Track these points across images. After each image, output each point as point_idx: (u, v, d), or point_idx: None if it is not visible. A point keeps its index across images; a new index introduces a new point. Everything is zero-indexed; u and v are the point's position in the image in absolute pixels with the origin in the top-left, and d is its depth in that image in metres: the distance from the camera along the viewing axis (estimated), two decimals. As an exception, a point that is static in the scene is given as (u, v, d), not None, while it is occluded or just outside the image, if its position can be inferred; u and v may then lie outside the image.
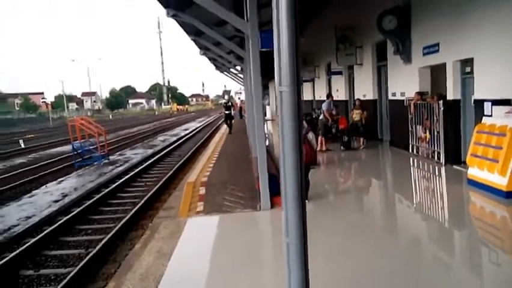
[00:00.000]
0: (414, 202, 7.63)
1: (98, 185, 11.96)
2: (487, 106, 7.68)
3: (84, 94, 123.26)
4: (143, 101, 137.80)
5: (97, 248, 6.72)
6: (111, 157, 17.96)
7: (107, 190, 10.92)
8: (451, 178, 8.89)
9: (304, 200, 2.35)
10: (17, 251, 6.66)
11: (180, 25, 13.19)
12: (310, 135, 7.43)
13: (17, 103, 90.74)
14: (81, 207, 9.23)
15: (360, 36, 15.45)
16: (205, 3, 7.79)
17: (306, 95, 27.75)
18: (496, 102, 7.55)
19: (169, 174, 12.77)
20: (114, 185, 11.51)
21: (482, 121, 7.75)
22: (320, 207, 7.31)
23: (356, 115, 13.20)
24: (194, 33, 14.87)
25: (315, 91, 25.05)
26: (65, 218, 8.47)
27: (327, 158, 11.83)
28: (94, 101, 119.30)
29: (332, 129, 13.85)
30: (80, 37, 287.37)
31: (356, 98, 15.54)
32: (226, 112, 23.52)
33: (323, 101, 15.01)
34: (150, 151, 20.01)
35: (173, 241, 6.00)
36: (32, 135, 36.20)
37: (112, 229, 7.74)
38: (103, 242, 7.01)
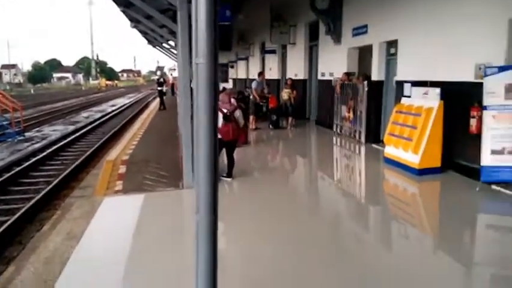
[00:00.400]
0: (333, 180, 7.81)
1: (8, 163, 10.97)
2: (407, 87, 7.95)
3: (4, 66, 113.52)
4: (69, 75, 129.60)
5: (0, 229, 6.12)
6: (27, 134, 16.64)
7: (18, 168, 10.06)
8: (369, 156, 9.22)
9: (216, 177, 2.20)
10: None
11: (106, -7, 12.35)
12: (238, 113, 7.24)
13: None
14: (-14, 187, 8.41)
15: (294, 16, 15.44)
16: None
17: (241, 73, 27.59)
18: (415, 84, 7.83)
19: (90, 152, 12.06)
20: (27, 163, 10.64)
21: (401, 101, 8.02)
22: (243, 185, 7.22)
23: (285, 94, 13.10)
24: (124, 4, 14.02)
25: (249, 69, 24.90)
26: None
27: (256, 137, 11.77)
28: (15, 74, 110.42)
29: (262, 108, 13.81)
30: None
31: (287, 77, 15.60)
32: (159, 88, 23.20)
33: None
34: (71, 128, 18.82)
35: (86, 221, 5.58)
36: None
37: (20, 210, 7.12)
38: (8, 223, 6.41)
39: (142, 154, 9.40)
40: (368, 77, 10.16)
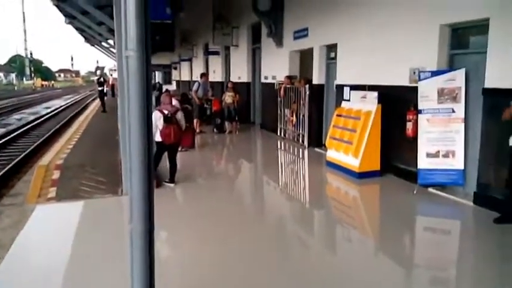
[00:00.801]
0: (277, 184, 7.81)
1: None
2: (346, 91, 8.15)
3: None
4: (0, 74, 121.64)
5: None
6: (-51, 136, 15.29)
7: None
8: (312, 160, 9.34)
9: (151, 184, 2.07)
10: None
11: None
12: (179, 115, 7.06)
13: None
14: None
15: (237, 17, 15.40)
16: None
17: (184, 75, 27.19)
18: (354, 88, 8.04)
19: (21, 156, 11.28)
20: None
21: (342, 105, 8.20)
22: (186, 191, 7.06)
23: (228, 98, 12.83)
24: (57, -4, 13.32)
25: (193, 71, 24.58)
26: None
27: (200, 140, 11.59)
28: None
29: (206, 111, 13.61)
30: None
31: (229, 80, 15.51)
32: (99, 88, 22.31)
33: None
34: (1, 130, 17.58)
35: (16, 231, 5.20)
36: None
37: None
38: None
39: (78, 158, 8.93)
40: (309, 81, 10.32)
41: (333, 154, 8.05)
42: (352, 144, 7.38)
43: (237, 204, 6.45)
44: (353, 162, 7.38)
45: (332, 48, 9.63)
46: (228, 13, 15.88)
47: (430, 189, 6.48)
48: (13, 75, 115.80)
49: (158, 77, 35.92)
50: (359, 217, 6.18)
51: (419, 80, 6.42)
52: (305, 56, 11.35)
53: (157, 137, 6.89)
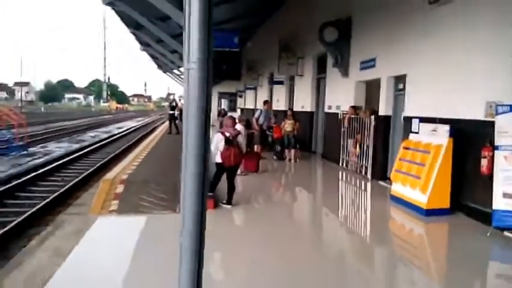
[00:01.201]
0: (337, 216, 7.49)
1: (8, 176, 10.84)
2: (415, 123, 7.77)
3: (16, 84, 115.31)
4: (80, 96, 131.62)
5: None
6: (32, 149, 16.59)
7: (15, 182, 9.90)
8: (375, 194, 8.94)
9: (204, 202, 2.00)
10: None
11: (118, 15, 12.50)
12: (241, 138, 7.11)
13: None
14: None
15: (303, 47, 15.51)
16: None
17: (249, 103, 27.69)
18: (423, 120, 7.66)
19: (91, 170, 11.90)
20: (26, 178, 10.48)
21: (409, 138, 7.83)
22: (242, 214, 7.00)
23: (288, 126, 12.62)
24: (133, 26, 14.18)
25: (257, 99, 24.97)
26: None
27: (260, 166, 11.56)
28: (27, 92, 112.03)
29: (268, 138, 13.64)
30: (16, 23, 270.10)
31: (293, 108, 15.51)
32: (171, 112, 23.32)
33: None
34: (76, 146, 18.79)
35: (76, 240, 5.38)
36: None
37: (10, 223, 6.91)
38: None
39: (142, 175, 9.21)
40: (375, 112, 10.02)
41: (398, 188, 7.63)
42: (420, 179, 6.95)
43: (293, 233, 6.21)
44: (420, 198, 6.92)
45: (400, 79, 9.32)
46: (294, 43, 16.04)
47: (506, 233, 5.88)
48: (91, 98, 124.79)
49: (224, 104, 36.86)
50: (424, 258, 5.70)
51: (496, 114, 5.96)
52: (371, 87, 11.09)
53: (218, 159, 6.95)
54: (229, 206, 6.96)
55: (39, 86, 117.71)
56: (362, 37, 11.05)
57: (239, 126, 9.92)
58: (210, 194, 7.09)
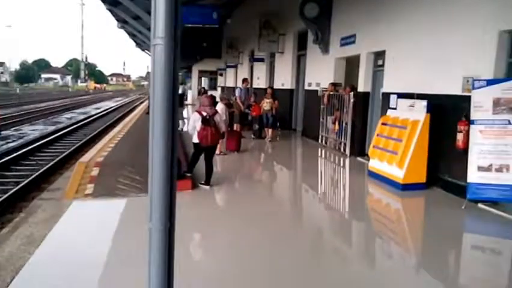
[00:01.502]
0: (316, 194, 7.52)
1: (-22, 162, 10.48)
2: (393, 99, 7.76)
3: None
4: (57, 76, 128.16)
5: (-47, 232, 5.69)
6: (4, 132, 16.11)
7: (-13, 167, 9.60)
8: (354, 170, 8.99)
9: (173, 182, 1.90)
10: None
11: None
12: (218, 117, 6.95)
13: None
14: (-51, 185, 7.95)
15: (284, 24, 15.30)
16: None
17: (229, 82, 27.41)
18: (401, 96, 7.64)
19: (66, 153, 11.62)
20: (-2, 162, 10.17)
21: (387, 113, 7.82)
22: (221, 194, 6.95)
23: (266, 104, 12.34)
24: (109, 2, 13.69)
25: (238, 78, 24.70)
26: None
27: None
28: (1, 73, 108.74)
29: (247, 117, 13.49)
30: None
31: (274, 86, 15.36)
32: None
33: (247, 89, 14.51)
34: (52, 128, 18.32)
35: (49, 226, 5.23)
36: None
37: (-20, 211, 6.70)
38: (-36, 225, 5.99)
39: (118, 157, 9.01)
40: (354, 88, 9.97)
41: (376, 164, 7.66)
42: (397, 154, 6.98)
43: (272, 210, 6.19)
44: (397, 173, 6.96)
45: (379, 55, 9.26)
46: (274, 20, 15.79)
47: (480, 205, 5.98)
48: (69, 78, 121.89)
49: (204, 82, 36.47)
50: (401, 231, 5.77)
51: (473, 88, 5.96)
52: (351, 63, 11.02)
53: (195, 139, 6.83)
54: (207, 187, 6.87)
55: (14, 66, 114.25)
56: (342, 13, 10.92)
57: (220, 105, 9.77)
58: (188, 174, 7.00)
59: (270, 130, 12.43)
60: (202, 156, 7.01)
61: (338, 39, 11.07)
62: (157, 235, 1.93)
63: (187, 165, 7.23)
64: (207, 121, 6.69)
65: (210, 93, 23.98)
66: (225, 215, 6.01)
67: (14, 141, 14.39)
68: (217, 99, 11.76)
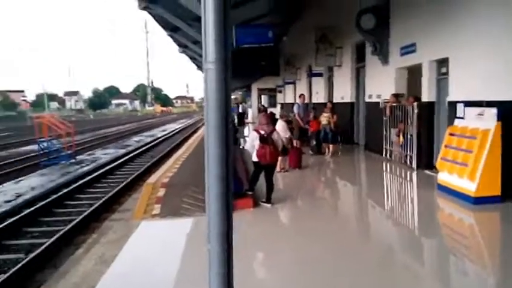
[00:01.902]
0: (382, 210, 7.20)
1: (57, 185, 11.32)
2: (460, 107, 7.34)
3: (66, 93, 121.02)
4: (126, 101, 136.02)
5: (36, 252, 6.15)
6: (79, 157, 17.29)
7: (65, 190, 10.31)
8: (421, 184, 8.56)
9: (229, 205, 1.92)
10: None
11: (155, 19, 12.70)
12: (275, 135, 6.97)
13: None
14: (32, 208, 8.63)
15: (340, 37, 15.15)
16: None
17: (288, 98, 27.50)
18: (469, 104, 7.21)
19: (135, 175, 12.20)
20: (74, 186, 10.90)
21: (455, 123, 7.40)
22: (283, 212, 6.89)
23: (324, 119, 11.99)
24: (170, 28, 14.37)
25: (296, 93, 24.73)
26: (11, 220, 7.87)
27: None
28: (76, 101, 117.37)
29: (307, 133, 13.34)
30: (63, 35, 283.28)
31: (334, 100, 15.17)
32: None
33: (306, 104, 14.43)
34: (122, 151, 19.39)
35: (119, 246, 5.48)
36: (6, 134, 35.08)
37: (59, 232, 7.17)
38: (45, 245, 6.45)
39: (183, 178, 9.30)
40: (418, 98, 9.58)
41: (445, 177, 7.23)
42: (467, 166, 6.54)
43: (337, 228, 6.04)
44: (468, 185, 6.52)
45: (442, 62, 8.85)
46: (330, 34, 15.68)
47: None
48: (137, 102, 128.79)
49: (264, 100, 36.88)
50: (476, 248, 5.36)
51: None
52: (413, 73, 10.63)
53: (254, 157, 6.88)
54: (268, 205, 6.86)
55: (87, 94, 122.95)
56: (400, 22, 10.61)
57: (281, 123, 9.80)
58: (250, 193, 7.04)
59: (330, 145, 12.13)
60: (262, 175, 7.03)
61: (397, 48, 10.75)
62: (215, 256, 1.95)
63: (248, 184, 7.29)
64: (264, 139, 6.72)
65: (269, 110, 24.26)
66: (287, 232, 5.95)
67: (87, 165, 15.39)
68: (277, 116, 11.82)
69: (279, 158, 9.83)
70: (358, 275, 4.23)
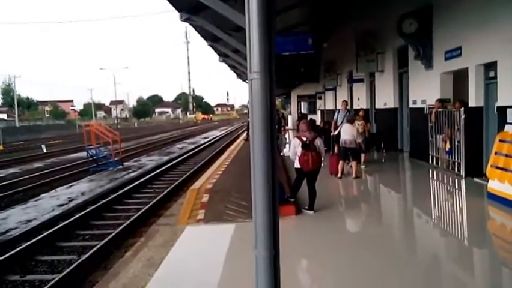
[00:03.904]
0: (429, 219, 7.01)
1: (106, 190, 11.80)
2: (510, 113, 7.08)
3: (112, 102, 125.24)
4: (169, 109, 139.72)
5: (88, 254, 6.45)
6: (126, 163, 17.90)
7: (113, 196, 10.73)
8: (470, 192, 8.26)
9: (275, 210, 1.99)
10: (7, 255, 6.45)
11: (196, 30, 13.04)
12: (318, 142, 6.97)
13: (46, 110, 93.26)
14: (83, 212, 9.04)
15: (381, 42, 14.94)
16: (216, 6, 7.51)
17: (328, 104, 27.30)
18: (520, 109, 6.95)
19: (179, 181, 12.51)
20: (122, 191, 11.32)
21: (505, 129, 7.14)
22: (326, 219, 6.82)
23: (358, 128, 11.12)
24: (211, 38, 14.70)
25: (337, 100, 24.51)
26: (64, 223, 8.28)
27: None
28: (122, 109, 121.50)
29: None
30: (108, 45, 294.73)
31: (376, 106, 14.94)
32: (249, 119, 23.54)
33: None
34: (166, 158, 19.91)
35: (166, 250, 5.67)
36: (56, 141, 36.85)
37: (108, 235, 7.48)
38: (96, 248, 6.74)
39: (226, 183, 9.46)
40: (464, 103, 9.29)
41: (495, 185, 6.97)
42: (520, 174, 6.30)
43: (381, 237, 5.95)
44: (521, 194, 6.27)
45: (490, 66, 8.56)
46: (371, 39, 15.49)
47: None
48: (179, 111, 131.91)
49: (303, 106, 36.78)
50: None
51: None
52: (458, 77, 10.33)
53: (296, 164, 6.91)
54: (311, 212, 6.85)
55: (132, 102, 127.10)
56: (444, 26, 10.36)
57: (349, 127, 9.80)
58: (292, 200, 7.07)
59: (362, 155, 11.21)
60: (304, 182, 7.04)
61: (441, 53, 10.49)
62: (262, 262, 2.00)
63: (290, 191, 7.32)
64: (307, 146, 6.74)
65: (309, 117, 24.14)
66: (330, 240, 5.89)
67: (134, 171, 15.92)
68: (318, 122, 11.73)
69: (340, 164, 9.79)
70: (404, 285, 4.17)
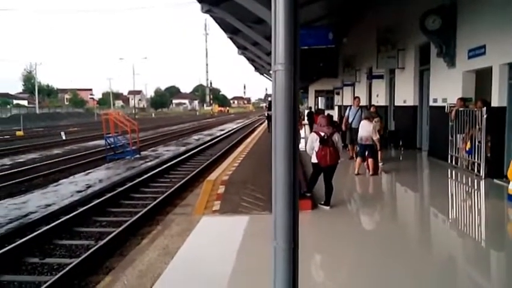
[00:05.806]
0: (446, 219, 6.93)
1: (123, 179, 11.96)
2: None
3: (130, 92, 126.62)
4: (186, 101, 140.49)
5: (105, 240, 6.56)
6: (143, 152, 18.10)
7: (130, 184, 10.86)
8: (489, 193, 8.14)
9: (295, 202, 1.99)
10: (27, 238, 6.61)
11: (216, 21, 13.04)
12: (336, 137, 6.92)
13: (66, 98, 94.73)
14: (101, 199, 9.18)
15: (403, 38, 14.70)
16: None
17: (346, 100, 27.10)
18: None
19: (196, 171, 12.59)
20: (139, 179, 11.45)
21: (529, 130, 6.99)
22: (341, 215, 6.79)
23: (374, 124, 10.62)
24: (231, 30, 14.69)
25: (354, 96, 24.31)
26: (82, 209, 8.43)
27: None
28: (139, 100, 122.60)
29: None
30: (128, 36, 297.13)
31: (395, 103, 14.75)
32: (269, 112, 23.62)
33: (365, 107, 13.91)
34: (183, 149, 20.06)
35: (182, 239, 5.74)
36: (76, 129, 37.45)
37: (125, 222, 7.59)
38: (113, 234, 6.85)
39: (241, 176, 9.49)
40: (487, 103, 9.11)
41: (516, 187, 6.85)
42: (542, 176, 6.17)
43: (398, 235, 5.90)
44: (543, 197, 6.14)
45: (515, 66, 8.37)
46: (392, 35, 15.25)
47: None
48: (196, 102, 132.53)
49: (320, 102, 36.57)
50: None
51: None
52: (481, 76, 10.12)
53: (313, 159, 6.88)
54: (327, 207, 6.83)
55: (149, 93, 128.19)
56: (468, 23, 10.14)
57: (367, 123, 9.73)
58: (308, 194, 7.05)
59: (379, 152, 10.66)
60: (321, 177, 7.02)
61: (465, 51, 10.28)
62: (281, 254, 2.01)
63: (306, 185, 7.30)
64: (325, 141, 6.69)
65: (326, 112, 23.96)
66: (346, 236, 5.87)
67: (151, 160, 16.09)
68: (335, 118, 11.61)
69: (358, 160, 9.72)
70: (418, 285, 4.14)
